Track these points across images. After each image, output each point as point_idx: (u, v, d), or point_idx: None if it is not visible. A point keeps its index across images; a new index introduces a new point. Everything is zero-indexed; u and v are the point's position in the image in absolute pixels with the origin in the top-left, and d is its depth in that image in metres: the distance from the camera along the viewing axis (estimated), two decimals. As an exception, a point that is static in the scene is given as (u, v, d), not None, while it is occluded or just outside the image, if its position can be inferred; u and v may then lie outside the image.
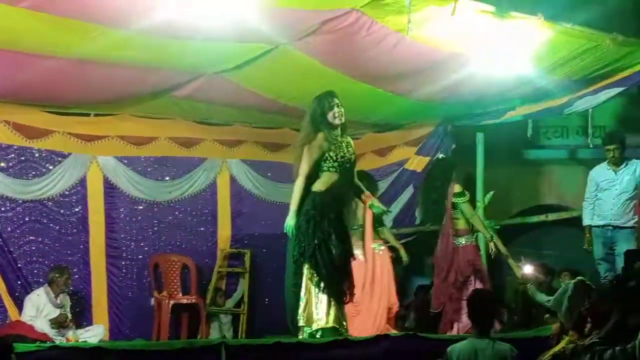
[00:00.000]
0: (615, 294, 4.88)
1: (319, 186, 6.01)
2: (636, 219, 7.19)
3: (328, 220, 5.94)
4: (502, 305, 8.03)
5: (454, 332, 7.24)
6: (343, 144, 6.09)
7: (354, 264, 7.17)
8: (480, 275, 7.40)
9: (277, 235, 6.82)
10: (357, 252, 7.39)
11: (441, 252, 7.51)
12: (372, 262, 7.56)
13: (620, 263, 6.93)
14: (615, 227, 7.21)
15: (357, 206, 7.51)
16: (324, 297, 5.93)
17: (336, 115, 6.02)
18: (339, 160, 6.02)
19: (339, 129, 6.07)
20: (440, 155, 8.17)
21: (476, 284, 7.28)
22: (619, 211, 7.20)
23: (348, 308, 7.21)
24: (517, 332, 6.78)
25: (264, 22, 5.49)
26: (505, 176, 8.94)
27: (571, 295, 5.27)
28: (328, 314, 5.92)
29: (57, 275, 7.69)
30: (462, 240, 7.45)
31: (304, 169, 5.97)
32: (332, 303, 5.94)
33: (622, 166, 7.23)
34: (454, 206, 7.44)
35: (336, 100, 6.05)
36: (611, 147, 7.24)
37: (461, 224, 7.47)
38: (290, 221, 5.96)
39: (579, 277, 5.77)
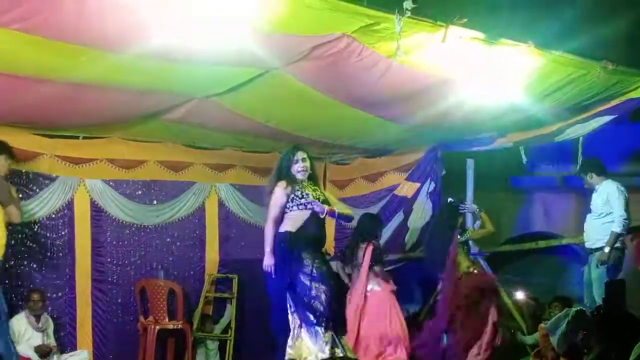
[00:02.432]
0: (596, 325, 4.85)
1: (287, 227, 6.10)
2: (605, 239, 7.15)
3: (305, 257, 6.01)
4: None
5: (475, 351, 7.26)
6: (309, 187, 6.20)
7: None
8: (489, 298, 7.41)
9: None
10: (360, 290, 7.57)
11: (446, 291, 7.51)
12: (364, 301, 7.55)
13: (593, 285, 6.97)
14: (591, 250, 7.30)
15: (357, 246, 7.60)
16: (316, 330, 5.88)
17: (299, 169, 6.17)
18: (304, 196, 6.10)
19: (305, 179, 6.21)
20: (450, 200, 8.17)
21: (485, 306, 7.34)
22: (591, 233, 7.31)
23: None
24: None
25: (256, 47, 5.47)
26: (495, 203, 8.93)
27: (569, 322, 5.25)
28: (324, 345, 5.87)
29: (27, 299, 7.68)
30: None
31: (271, 213, 6.16)
32: (326, 334, 5.89)
33: (596, 190, 7.36)
34: (462, 246, 7.64)
35: (301, 155, 6.22)
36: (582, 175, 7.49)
37: (463, 267, 7.59)
38: (266, 261, 6.16)
39: (580, 307, 5.76)
